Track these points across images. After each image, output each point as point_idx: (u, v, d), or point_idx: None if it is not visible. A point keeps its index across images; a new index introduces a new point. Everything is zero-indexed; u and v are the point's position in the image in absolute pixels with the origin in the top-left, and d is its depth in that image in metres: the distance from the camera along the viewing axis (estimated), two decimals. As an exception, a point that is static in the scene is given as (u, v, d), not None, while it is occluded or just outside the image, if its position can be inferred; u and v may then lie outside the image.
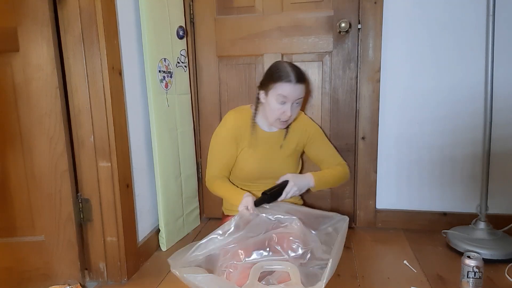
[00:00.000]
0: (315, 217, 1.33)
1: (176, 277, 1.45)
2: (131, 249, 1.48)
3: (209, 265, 1.18)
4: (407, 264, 1.49)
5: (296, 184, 1.38)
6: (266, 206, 1.33)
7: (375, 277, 1.42)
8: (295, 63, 1.78)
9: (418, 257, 1.54)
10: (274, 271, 1.15)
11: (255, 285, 1.06)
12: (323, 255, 1.16)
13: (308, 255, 1.17)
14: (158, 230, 1.70)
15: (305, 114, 1.67)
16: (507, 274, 1.38)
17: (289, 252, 1.18)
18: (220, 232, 1.22)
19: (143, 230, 1.62)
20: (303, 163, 1.72)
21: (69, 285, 1.38)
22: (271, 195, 1.34)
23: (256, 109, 1.51)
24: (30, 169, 1.33)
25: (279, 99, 1.37)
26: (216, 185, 1.49)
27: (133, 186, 1.53)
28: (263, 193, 1.35)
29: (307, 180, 1.43)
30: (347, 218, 1.32)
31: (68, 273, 1.40)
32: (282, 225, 1.24)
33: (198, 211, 1.98)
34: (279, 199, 1.36)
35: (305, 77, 1.43)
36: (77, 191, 1.39)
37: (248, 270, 1.13)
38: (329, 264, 1.07)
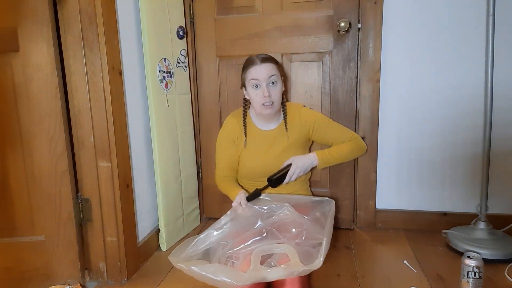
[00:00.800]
0: (304, 204, 1.40)
1: (176, 277, 1.46)
2: (131, 249, 1.48)
3: (207, 259, 1.23)
4: (407, 264, 1.49)
5: (299, 166, 1.44)
6: (267, 198, 1.41)
7: (375, 277, 1.42)
8: (295, 63, 1.81)
9: (418, 257, 1.54)
10: (273, 253, 1.20)
11: (258, 269, 1.11)
12: (317, 235, 1.22)
13: (304, 236, 1.24)
14: (158, 230, 1.70)
15: (304, 106, 1.64)
16: (507, 274, 1.38)
17: (285, 234, 1.26)
18: (217, 226, 1.30)
19: (143, 230, 1.62)
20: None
21: (69, 285, 1.38)
22: (276, 180, 1.40)
23: (244, 110, 1.58)
24: (30, 169, 1.34)
25: (253, 84, 1.46)
26: (220, 184, 1.61)
27: (133, 186, 1.53)
28: (268, 179, 1.41)
29: (311, 160, 1.47)
30: (333, 201, 1.41)
31: (68, 273, 1.40)
32: (275, 213, 1.32)
33: (198, 211, 1.98)
34: (284, 182, 1.43)
35: (272, 58, 1.49)
36: (77, 191, 1.39)
37: (248, 257, 1.18)
38: (324, 242, 1.13)
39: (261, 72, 1.44)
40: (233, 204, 1.39)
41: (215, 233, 1.28)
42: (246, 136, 1.57)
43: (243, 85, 1.53)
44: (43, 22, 1.25)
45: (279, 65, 1.52)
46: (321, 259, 1.08)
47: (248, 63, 1.48)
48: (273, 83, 1.46)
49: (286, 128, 1.54)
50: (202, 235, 1.27)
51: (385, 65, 1.73)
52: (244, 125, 1.57)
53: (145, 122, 1.62)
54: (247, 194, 1.41)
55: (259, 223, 1.30)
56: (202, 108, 1.96)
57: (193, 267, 1.11)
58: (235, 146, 1.59)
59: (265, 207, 1.34)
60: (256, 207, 1.34)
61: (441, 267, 1.46)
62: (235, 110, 1.68)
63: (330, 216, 1.31)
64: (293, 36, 1.79)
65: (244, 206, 1.35)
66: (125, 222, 1.44)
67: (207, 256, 1.24)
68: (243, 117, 1.58)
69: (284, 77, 1.70)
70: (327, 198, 1.41)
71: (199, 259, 1.21)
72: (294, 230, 1.26)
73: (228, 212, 1.35)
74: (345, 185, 1.86)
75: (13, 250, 1.38)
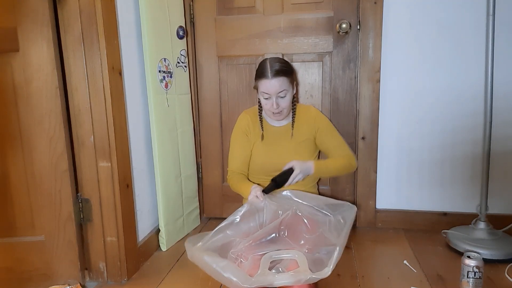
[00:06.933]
0: (326, 205, 1.39)
1: (176, 277, 1.46)
2: (131, 249, 1.48)
3: (222, 254, 1.23)
4: (407, 264, 1.49)
5: (302, 171, 1.45)
6: (283, 193, 1.40)
7: (375, 277, 1.42)
8: (295, 63, 1.80)
9: (418, 257, 1.54)
10: (282, 259, 1.20)
11: (266, 274, 1.11)
12: (332, 239, 1.21)
13: (316, 241, 1.23)
14: (158, 230, 1.70)
15: (314, 107, 1.67)
16: (507, 274, 1.38)
17: (296, 240, 1.25)
18: (234, 217, 1.29)
19: (143, 230, 1.62)
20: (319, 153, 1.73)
21: (69, 285, 1.38)
22: (279, 182, 1.42)
23: (260, 106, 1.61)
24: (30, 169, 1.33)
25: (264, 96, 1.49)
26: (233, 182, 1.61)
27: (133, 186, 1.53)
28: (272, 179, 1.42)
29: (309, 168, 1.50)
30: (355, 207, 1.39)
31: (68, 273, 1.40)
32: (290, 209, 1.31)
33: (198, 211, 1.98)
34: (286, 184, 1.44)
35: (285, 70, 1.46)
36: (77, 191, 1.39)
37: (258, 262, 1.18)
38: (336, 251, 1.12)
39: (271, 87, 1.44)
40: (249, 198, 1.39)
41: (232, 224, 1.27)
42: (263, 130, 1.60)
43: (255, 87, 1.54)
44: (43, 22, 1.24)
45: (291, 75, 1.51)
46: (331, 268, 1.07)
47: (260, 74, 1.47)
48: (281, 96, 1.47)
49: (293, 126, 1.58)
50: (220, 226, 1.26)
51: (385, 65, 1.73)
52: (260, 119, 1.61)
53: (145, 122, 1.62)
54: (261, 188, 1.40)
55: (272, 223, 1.28)
56: (202, 108, 1.96)
57: (206, 258, 1.12)
58: (248, 140, 1.61)
59: (279, 209, 1.32)
60: (274, 207, 1.32)
61: (441, 267, 1.46)
62: (248, 108, 1.70)
63: (349, 223, 1.29)
64: (293, 37, 1.79)
65: (261, 199, 1.35)
66: (125, 222, 1.44)
67: (222, 251, 1.24)
68: (259, 112, 1.61)
69: (296, 82, 1.72)
70: (349, 203, 1.39)
71: (216, 251, 1.22)
72: (305, 237, 1.26)
73: (245, 205, 1.34)
74: (345, 184, 1.87)
75: (13, 250, 1.38)
